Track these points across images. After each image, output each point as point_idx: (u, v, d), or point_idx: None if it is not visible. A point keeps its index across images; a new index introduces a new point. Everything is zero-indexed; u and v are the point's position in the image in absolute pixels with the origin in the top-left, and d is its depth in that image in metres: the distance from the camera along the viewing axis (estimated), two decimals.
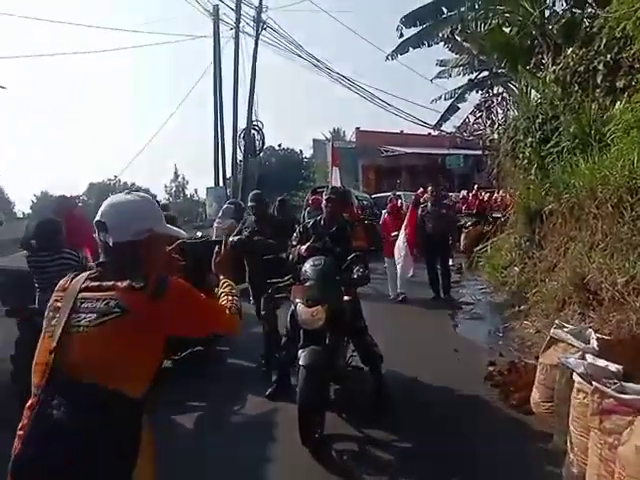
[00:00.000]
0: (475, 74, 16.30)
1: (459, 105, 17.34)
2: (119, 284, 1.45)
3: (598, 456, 2.33)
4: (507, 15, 10.79)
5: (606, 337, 3.29)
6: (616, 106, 6.17)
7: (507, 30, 11.12)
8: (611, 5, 5.94)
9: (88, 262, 4.08)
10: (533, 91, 9.05)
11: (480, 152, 19.12)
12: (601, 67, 6.80)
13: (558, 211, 6.45)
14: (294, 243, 4.30)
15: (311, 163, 31.33)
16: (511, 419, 3.69)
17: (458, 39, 13.33)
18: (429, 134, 24.32)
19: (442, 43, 13.82)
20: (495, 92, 14.92)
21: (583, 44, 7.77)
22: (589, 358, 2.83)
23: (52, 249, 4.02)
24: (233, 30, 16.14)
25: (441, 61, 16.76)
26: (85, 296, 1.47)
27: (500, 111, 14.30)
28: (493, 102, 14.59)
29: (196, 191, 41.86)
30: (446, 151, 24.16)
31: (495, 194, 14.11)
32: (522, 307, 6.30)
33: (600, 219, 5.11)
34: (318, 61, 17.06)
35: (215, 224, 9.03)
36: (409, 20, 12.59)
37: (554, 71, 7.98)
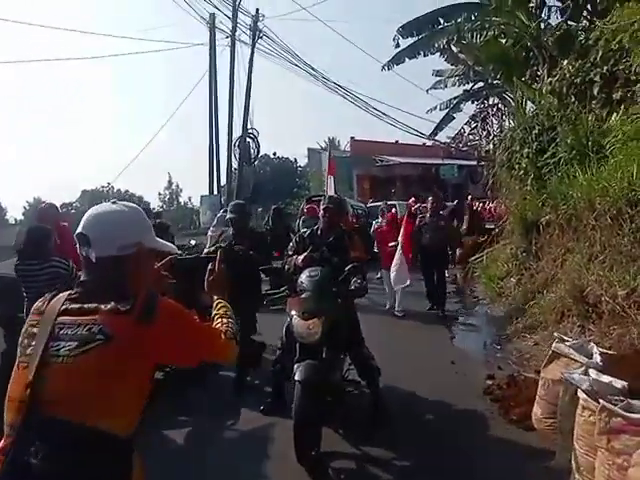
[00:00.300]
0: (470, 85, 16.44)
1: (454, 115, 17.43)
2: (103, 307, 1.30)
3: (606, 477, 2.25)
4: (503, 27, 10.88)
5: (609, 352, 3.23)
6: (613, 118, 6.18)
7: (503, 41, 11.23)
8: (608, 17, 5.96)
9: (78, 272, 3.97)
10: (529, 102, 9.10)
11: (474, 162, 19.28)
12: (597, 79, 6.83)
13: (555, 222, 6.42)
14: (290, 253, 4.21)
15: (306, 172, 31.40)
16: (512, 435, 3.59)
17: (454, 50, 13.42)
18: (424, 144, 24.45)
19: (438, 54, 13.92)
20: (490, 103, 15.05)
21: (579, 56, 7.82)
22: (593, 374, 2.76)
23: (41, 257, 3.90)
24: (229, 38, 16.16)
25: (437, 71, 16.88)
26: (64, 320, 1.31)
27: (495, 122, 14.41)
28: (488, 113, 14.69)
29: (190, 199, 41.83)
30: (440, 161, 24.29)
31: (488, 204, 14.12)
32: (519, 319, 6.23)
33: (599, 231, 5.07)
34: (314, 70, 17.08)
35: (209, 232, 8.93)
36: (406, 30, 12.64)
37: (550, 82, 8.02)
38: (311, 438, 3.18)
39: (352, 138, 26.86)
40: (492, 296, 8.10)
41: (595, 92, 6.84)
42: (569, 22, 10.06)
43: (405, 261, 7.24)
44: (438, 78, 16.91)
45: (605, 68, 6.76)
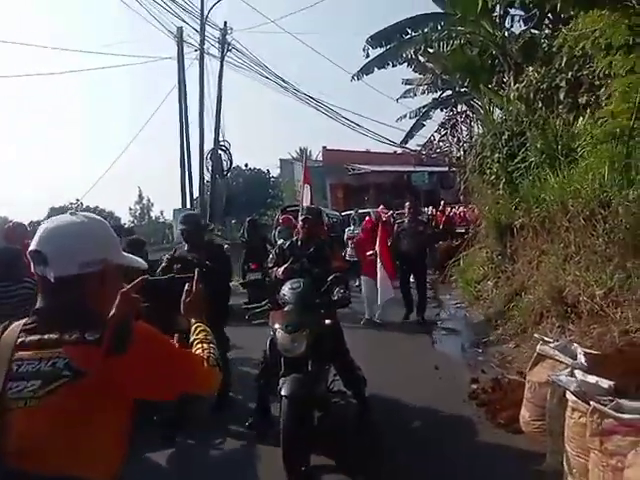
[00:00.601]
0: (439, 93, 16.74)
1: (424, 123, 17.71)
2: (66, 336, 1.12)
3: (601, 478, 2.25)
4: (469, 36, 11.11)
5: (593, 352, 3.25)
6: (580, 122, 6.35)
7: (469, 50, 11.46)
8: (571, 24, 6.15)
9: None
10: (497, 109, 9.29)
11: (445, 169, 19.61)
12: (563, 84, 7.03)
13: (529, 225, 6.53)
14: (270, 265, 4.15)
15: (278, 182, 31.32)
16: (500, 439, 3.58)
17: (421, 59, 13.64)
18: (395, 152, 24.74)
19: (405, 64, 14.12)
20: (459, 110, 15.34)
21: (544, 63, 8.05)
22: (579, 374, 2.77)
23: (13, 279, 3.73)
24: (198, 52, 16.03)
25: (406, 80, 17.13)
26: (22, 356, 1.13)
27: (464, 129, 14.69)
28: (457, 120, 14.97)
29: (162, 213, 41.11)
30: (412, 168, 24.66)
31: (458, 209, 14.33)
32: (499, 322, 6.29)
33: (572, 232, 5.17)
34: (285, 82, 17.09)
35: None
36: (375, 40, 12.77)
37: (517, 89, 8.21)
38: (300, 453, 3.10)
39: (324, 147, 27.03)
40: (470, 300, 8.17)
41: (561, 97, 7.04)
42: (532, 30, 10.35)
43: (387, 276, 7.21)
44: (407, 87, 17.20)
45: (570, 74, 6.97)
